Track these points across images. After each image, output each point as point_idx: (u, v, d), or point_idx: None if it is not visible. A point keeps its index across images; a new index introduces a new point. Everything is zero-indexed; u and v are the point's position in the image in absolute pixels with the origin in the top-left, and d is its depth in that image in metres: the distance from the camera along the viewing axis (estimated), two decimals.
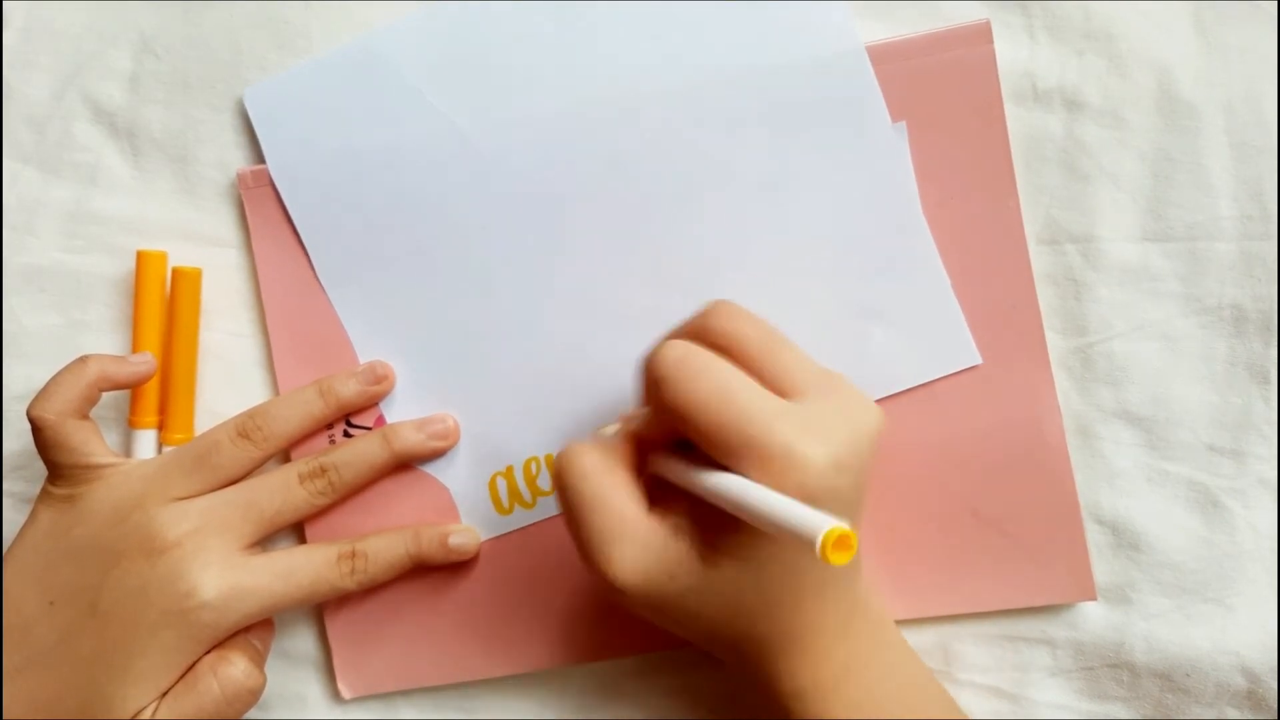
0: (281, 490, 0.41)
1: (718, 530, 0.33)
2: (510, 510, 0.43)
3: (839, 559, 0.27)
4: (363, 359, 0.43)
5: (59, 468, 0.40)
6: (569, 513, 0.35)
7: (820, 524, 0.27)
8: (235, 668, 0.39)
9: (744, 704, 0.43)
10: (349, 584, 0.41)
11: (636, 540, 0.34)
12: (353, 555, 0.41)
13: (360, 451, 0.42)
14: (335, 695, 0.44)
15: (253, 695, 0.39)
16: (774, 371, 0.34)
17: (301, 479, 0.41)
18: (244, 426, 0.41)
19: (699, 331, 0.36)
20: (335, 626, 0.43)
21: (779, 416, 0.32)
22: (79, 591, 0.38)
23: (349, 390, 0.42)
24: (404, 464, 0.43)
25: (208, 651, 0.39)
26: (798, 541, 0.29)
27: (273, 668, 0.42)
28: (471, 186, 0.42)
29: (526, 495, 0.43)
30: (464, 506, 0.43)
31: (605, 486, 0.34)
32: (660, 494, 0.35)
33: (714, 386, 0.33)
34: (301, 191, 0.43)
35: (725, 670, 0.42)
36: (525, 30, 0.42)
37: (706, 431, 0.33)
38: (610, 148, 0.42)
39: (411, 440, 0.42)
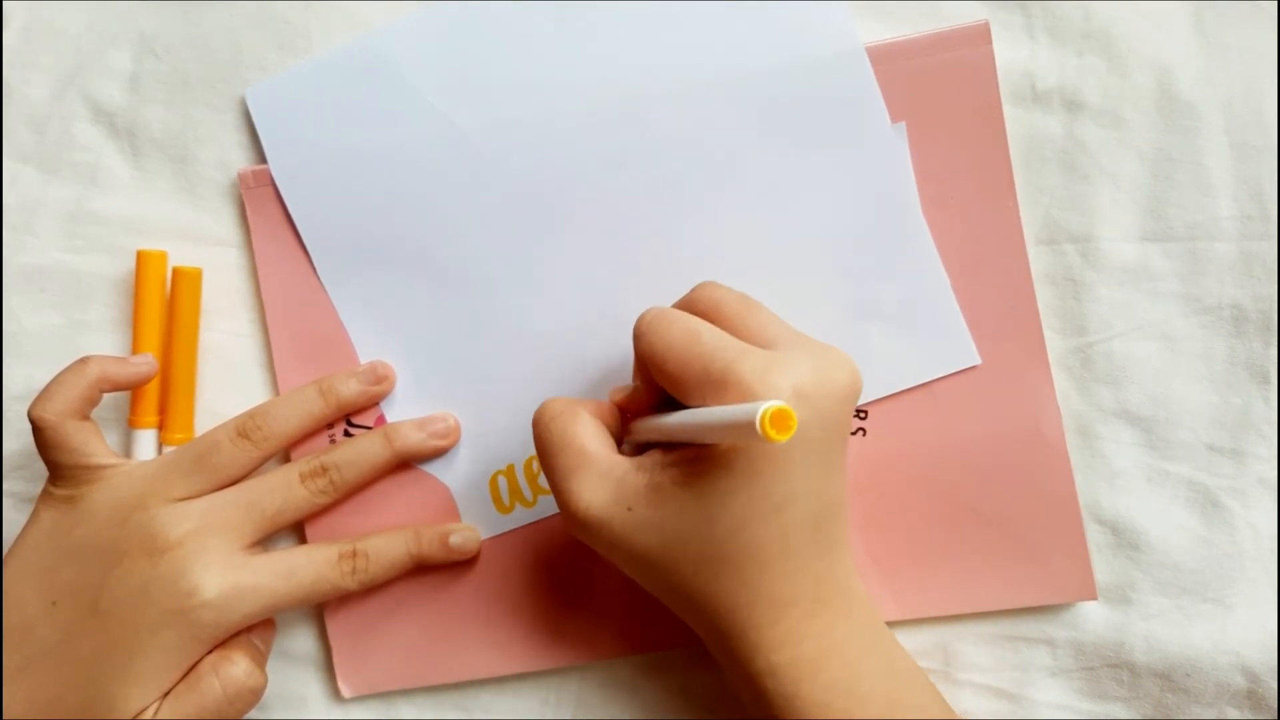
0: (282, 489, 0.41)
1: (679, 466, 0.34)
2: (511, 509, 0.43)
3: (779, 435, 0.28)
4: (363, 359, 0.43)
5: (60, 468, 0.40)
6: (541, 458, 0.37)
7: (759, 404, 0.28)
8: (237, 667, 0.39)
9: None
10: (350, 584, 0.41)
11: (597, 471, 0.35)
12: (354, 555, 0.41)
13: (361, 450, 0.42)
14: (335, 695, 0.44)
15: (254, 695, 0.39)
16: (749, 330, 0.36)
17: (302, 478, 0.41)
18: (244, 426, 0.41)
19: (685, 304, 0.38)
20: (335, 626, 0.43)
21: (743, 354, 0.33)
22: (80, 591, 0.38)
23: (350, 390, 0.42)
24: (404, 463, 0.43)
25: (209, 651, 0.39)
26: (741, 430, 0.29)
27: (273, 668, 0.42)
28: (472, 186, 0.42)
29: (528, 494, 0.43)
30: (464, 505, 0.43)
31: (570, 427, 0.36)
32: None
33: (683, 330, 0.35)
34: (302, 191, 0.43)
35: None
36: (525, 30, 0.42)
37: (675, 371, 0.34)
38: (610, 148, 0.42)
39: (413, 439, 0.42)
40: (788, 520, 0.34)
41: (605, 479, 0.35)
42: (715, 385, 0.33)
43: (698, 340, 0.34)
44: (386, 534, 0.42)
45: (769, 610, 0.34)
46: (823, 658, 0.35)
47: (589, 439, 0.36)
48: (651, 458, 0.35)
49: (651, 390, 0.37)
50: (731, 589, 0.34)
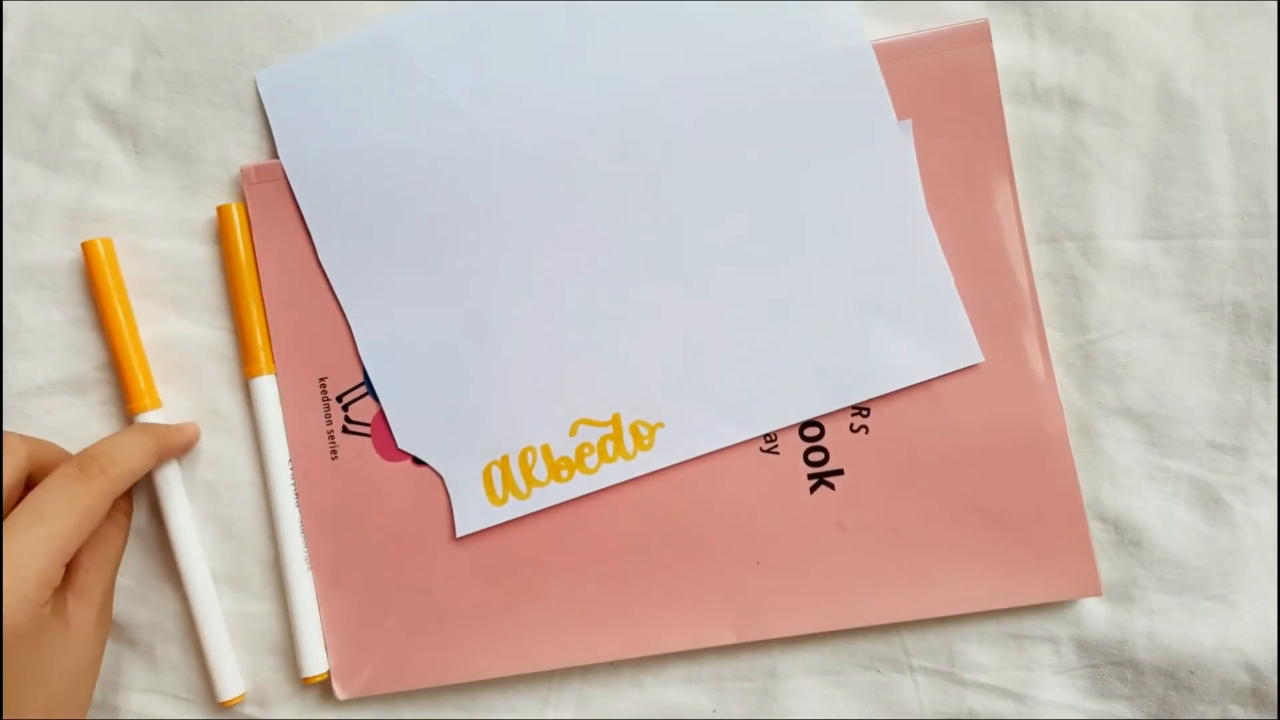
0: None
1: None
2: (504, 500, 0.43)
3: None
4: (363, 347, 0.43)
5: None
6: None
7: None
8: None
9: (747, 703, 0.43)
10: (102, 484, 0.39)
11: None
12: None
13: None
14: (335, 695, 0.44)
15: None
16: None
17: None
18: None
19: None
20: (331, 628, 0.43)
21: None
22: None
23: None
24: (398, 453, 0.43)
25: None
26: None
27: (272, 667, 0.42)
28: (479, 178, 0.43)
29: (521, 486, 0.43)
30: (457, 494, 0.43)
31: None
32: None
33: None
34: (310, 176, 0.43)
35: (726, 667, 0.42)
36: (536, 25, 0.42)
37: None
38: (617, 141, 0.42)
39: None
40: None
41: None
42: None
43: None
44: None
45: None
46: None
47: None
48: None
49: None
50: None
